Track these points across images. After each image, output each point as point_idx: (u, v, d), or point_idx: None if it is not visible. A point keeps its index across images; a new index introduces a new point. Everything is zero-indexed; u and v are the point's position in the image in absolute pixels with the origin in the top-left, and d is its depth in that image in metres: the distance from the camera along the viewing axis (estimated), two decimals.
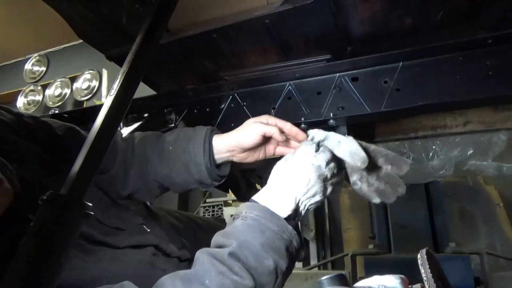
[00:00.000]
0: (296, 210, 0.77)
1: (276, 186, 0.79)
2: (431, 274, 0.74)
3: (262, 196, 0.78)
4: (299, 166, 0.78)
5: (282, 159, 0.83)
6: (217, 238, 0.73)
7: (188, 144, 0.96)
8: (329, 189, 0.81)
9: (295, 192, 0.76)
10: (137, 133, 1.07)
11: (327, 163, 0.78)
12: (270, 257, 0.68)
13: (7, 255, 0.51)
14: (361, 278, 2.06)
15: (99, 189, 0.95)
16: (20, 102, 2.95)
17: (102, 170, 0.97)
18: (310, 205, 0.79)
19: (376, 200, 0.85)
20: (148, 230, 0.96)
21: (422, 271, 0.76)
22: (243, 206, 0.76)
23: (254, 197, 0.79)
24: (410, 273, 0.79)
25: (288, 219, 0.74)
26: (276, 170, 0.81)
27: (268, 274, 0.67)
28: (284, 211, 0.75)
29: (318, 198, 0.79)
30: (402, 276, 0.76)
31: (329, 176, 0.78)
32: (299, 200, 0.77)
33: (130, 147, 1.01)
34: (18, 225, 0.62)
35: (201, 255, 0.69)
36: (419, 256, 0.78)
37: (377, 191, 0.85)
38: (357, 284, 0.80)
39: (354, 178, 0.84)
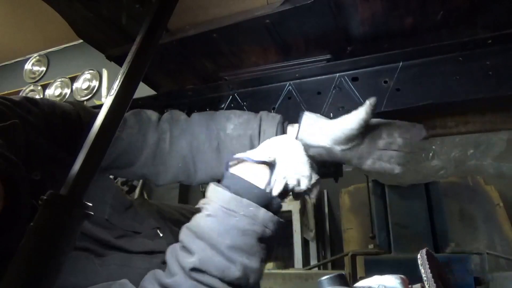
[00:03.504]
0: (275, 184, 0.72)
1: (258, 151, 0.74)
2: (431, 274, 0.74)
3: (238, 168, 0.73)
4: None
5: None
6: (182, 234, 0.69)
7: (256, 141, 0.87)
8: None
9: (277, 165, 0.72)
10: (176, 117, 0.97)
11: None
12: (236, 262, 0.63)
13: (7, 255, 0.51)
14: (361, 278, 2.06)
15: (119, 191, 0.94)
16: None
17: (126, 164, 0.94)
18: (296, 184, 0.73)
19: (397, 169, 0.81)
20: (161, 235, 0.94)
21: (422, 271, 0.76)
22: (209, 190, 0.71)
23: (238, 155, 0.74)
24: (410, 273, 0.79)
25: (264, 194, 0.69)
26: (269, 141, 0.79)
27: (237, 279, 0.64)
28: (260, 182, 0.70)
29: (305, 179, 0.73)
30: (402, 276, 0.76)
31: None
32: (281, 175, 0.72)
33: (167, 139, 0.93)
34: (19, 226, 0.62)
35: (171, 261, 0.66)
36: (419, 256, 0.78)
37: (396, 161, 0.80)
38: (357, 284, 0.80)
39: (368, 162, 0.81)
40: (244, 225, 0.65)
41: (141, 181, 2.86)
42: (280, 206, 0.73)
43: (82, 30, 1.24)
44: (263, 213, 0.67)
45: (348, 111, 0.83)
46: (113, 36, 1.22)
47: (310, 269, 2.88)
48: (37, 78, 2.98)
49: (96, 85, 2.69)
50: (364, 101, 1.00)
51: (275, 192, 0.72)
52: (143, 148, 0.93)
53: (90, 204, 0.57)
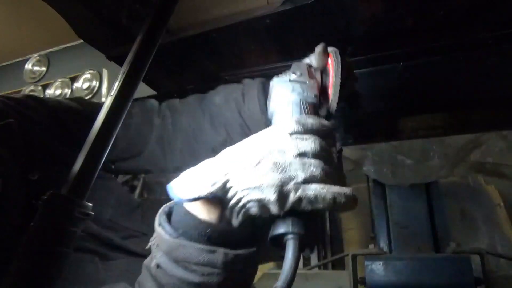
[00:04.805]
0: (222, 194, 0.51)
1: (203, 171, 0.53)
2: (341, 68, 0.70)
3: (183, 185, 0.53)
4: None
5: None
6: (140, 278, 0.57)
7: (243, 105, 0.86)
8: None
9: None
10: (173, 101, 1.00)
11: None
12: None
13: (7, 255, 0.51)
14: (362, 278, 2.07)
15: (124, 192, 0.93)
16: None
17: (133, 153, 0.95)
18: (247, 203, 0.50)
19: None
20: None
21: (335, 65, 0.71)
22: (156, 229, 0.55)
23: (172, 184, 0.53)
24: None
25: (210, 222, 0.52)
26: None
27: None
28: (212, 212, 0.53)
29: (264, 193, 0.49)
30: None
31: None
32: (240, 200, 0.51)
33: (170, 119, 0.95)
34: (9, 224, 0.62)
35: None
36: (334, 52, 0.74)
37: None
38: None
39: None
40: (198, 277, 0.50)
41: (141, 181, 2.86)
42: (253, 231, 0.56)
43: (82, 30, 1.24)
44: (222, 256, 0.50)
45: (348, 111, 0.84)
46: (113, 36, 1.22)
47: (310, 269, 2.88)
48: (38, 78, 2.98)
49: (97, 85, 2.69)
50: (364, 101, 1.00)
51: (235, 225, 0.53)
52: (150, 133, 0.95)
53: (91, 204, 0.57)
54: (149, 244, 0.57)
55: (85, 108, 0.91)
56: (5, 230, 0.62)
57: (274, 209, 0.49)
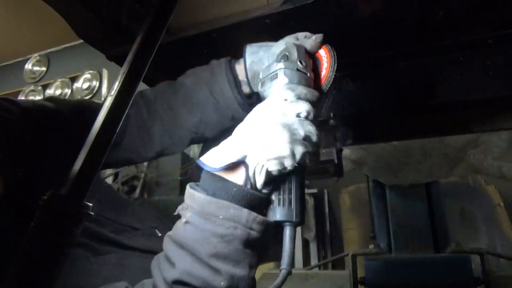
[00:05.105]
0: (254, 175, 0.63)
1: (225, 148, 0.65)
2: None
3: (210, 159, 0.64)
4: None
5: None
6: (165, 244, 0.65)
7: (213, 84, 0.90)
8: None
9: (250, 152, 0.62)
10: (145, 91, 1.02)
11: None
12: (221, 271, 0.58)
13: (8, 255, 0.51)
14: (362, 278, 2.07)
15: (110, 188, 0.94)
16: None
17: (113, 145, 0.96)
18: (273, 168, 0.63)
19: None
20: (160, 235, 0.94)
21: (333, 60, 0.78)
22: (186, 195, 0.65)
23: (202, 159, 0.65)
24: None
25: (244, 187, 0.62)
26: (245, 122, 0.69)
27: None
28: (238, 178, 0.63)
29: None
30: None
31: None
32: (260, 163, 0.62)
33: (143, 107, 0.97)
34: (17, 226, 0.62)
35: (156, 273, 0.63)
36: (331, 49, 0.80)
37: None
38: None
39: None
40: (225, 230, 0.59)
41: (141, 181, 2.86)
42: (269, 201, 0.66)
43: (82, 30, 1.24)
44: (246, 214, 0.60)
45: (348, 111, 0.84)
46: (113, 36, 1.22)
47: (310, 269, 2.88)
48: (38, 78, 2.99)
49: (97, 85, 2.69)
50: (365, 101, 1.00)
51: (259, 185, 0.64)
52: (125, 124, 0.95)
53: (91, 204, 0.57)
54: (177, 211, 0.65)
55: (57, 107, 0.92)
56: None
57: (288, 163, 0.61)
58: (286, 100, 0.66)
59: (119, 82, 0.63)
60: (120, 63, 1.31)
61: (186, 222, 0.61)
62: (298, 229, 3.75)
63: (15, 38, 2.89)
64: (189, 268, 0.58)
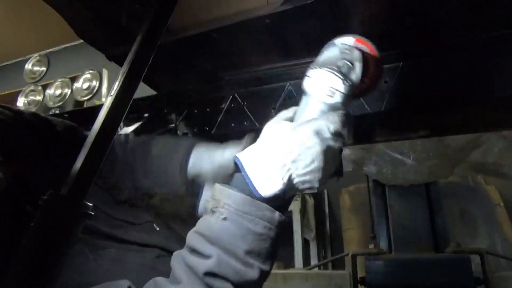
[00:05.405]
0: (286, 188, 0.67)
1: (265, 150, 0.68)
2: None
3: (248, 162, 0.68)
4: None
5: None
6: (192, 239, 0.66)
7: (169, 164, 0.99)
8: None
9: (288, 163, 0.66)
10: (131, 138, 1.08)
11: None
12: (253, 267, 0.63)
13: (8, 255, 0.51)
14: (362, 278, 2.07)
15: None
16: (21, 102, 2.95)
17: (104, 175, 0.97)
18: (304, 184, 0.68)
19: None
20: (157, 229, 0.95)
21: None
22: (218, 192, 0.68)
23: (239, 157, 0.68)
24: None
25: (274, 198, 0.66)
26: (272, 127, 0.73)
27: (253, 283, 0.63)
28: (271, 188, 0.66)
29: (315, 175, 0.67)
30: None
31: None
32: (291, 175, 0.66)
33: (129, 153, 1.03)
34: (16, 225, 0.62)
35: (178, 267, 0.64)
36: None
37: None
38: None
39: None
40: (261, 229, 0.64)
41: None
42: (287, 207, 0.73)
43: (82, 30, 1.24)
44: (278, 216, 0.66)
45: (348, 112, 0.83)
46: (113, 36, 1.22)
47: (310, 269, 2.88)
48: (38, 78, 2.98)
49: (97, 85, 2.69)
50: (365, 101, 1.00)
51: (287, 195, 0.69)
52: (115, 160, 1.00)
53: (91, 204, 0.57)
54: (208, 206, 0.67)
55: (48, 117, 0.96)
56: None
57: (315, 185, 0.68)
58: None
59: (119, 82, 0.63)
60: (120, 63, 1.31)
61: (224, 219, 0.65)
62: (298, 229, 3.75)
63: (15, 38, 2.89)
64: (226, 261, 0.62)
